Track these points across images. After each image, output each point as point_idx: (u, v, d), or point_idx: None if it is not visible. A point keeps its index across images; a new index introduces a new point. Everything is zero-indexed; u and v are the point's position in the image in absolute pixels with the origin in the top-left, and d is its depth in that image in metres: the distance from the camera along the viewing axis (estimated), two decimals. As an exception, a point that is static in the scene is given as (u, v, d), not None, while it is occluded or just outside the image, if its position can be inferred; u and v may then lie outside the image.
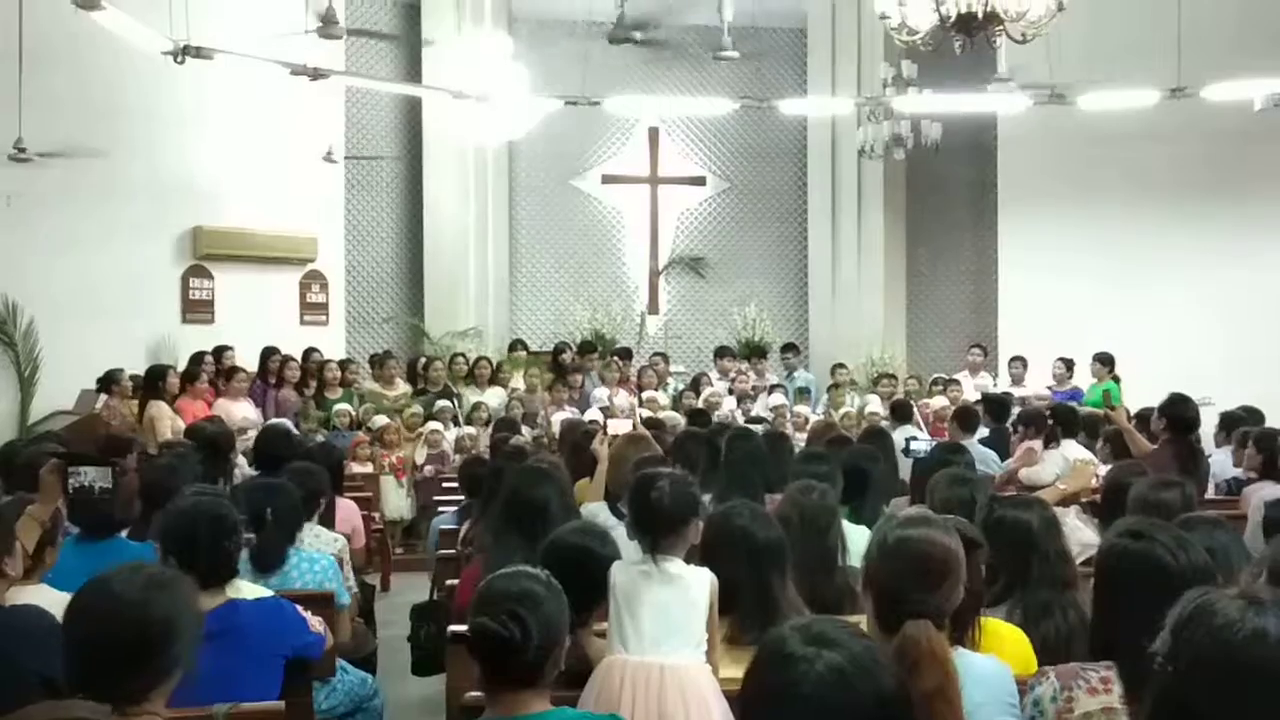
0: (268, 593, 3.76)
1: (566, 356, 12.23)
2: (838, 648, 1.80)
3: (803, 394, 11.82)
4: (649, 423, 7.78)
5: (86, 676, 2.25)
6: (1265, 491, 5.77)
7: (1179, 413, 6.38)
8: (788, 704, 1.77)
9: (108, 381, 9.66)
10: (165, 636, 2.30)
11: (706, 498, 4.26)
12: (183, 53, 9.92)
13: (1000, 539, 3.31)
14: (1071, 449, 7.44)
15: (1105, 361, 11.17)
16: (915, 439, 7.47)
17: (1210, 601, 1.77)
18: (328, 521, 5.60)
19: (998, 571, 3.31)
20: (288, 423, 9.23)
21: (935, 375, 12.04)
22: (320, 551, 4.79)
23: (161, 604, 2.32)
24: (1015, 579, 3.29)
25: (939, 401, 10.86)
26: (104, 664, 2.26)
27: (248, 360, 10.88)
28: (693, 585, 3.22)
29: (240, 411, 9.66)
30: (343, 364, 11.32)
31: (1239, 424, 7.59)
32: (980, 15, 7.43)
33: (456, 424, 10.67)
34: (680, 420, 9.38)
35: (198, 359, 10.15)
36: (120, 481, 4.16)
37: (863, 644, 1.86)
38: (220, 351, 10.57)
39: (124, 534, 4.41)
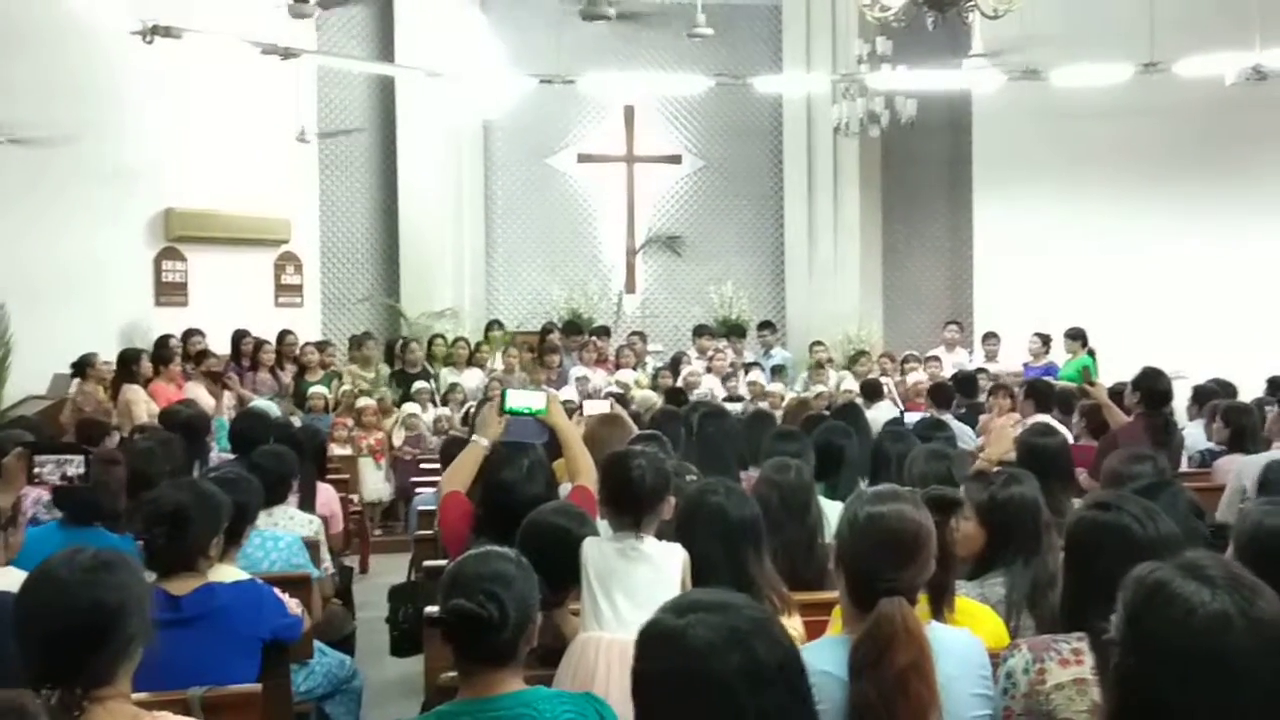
0: (245, 576, 3.75)
1: (555, 336, 12.24)
2: (715, 611, 1.80)
3: (779, 372, 11.86)
4: (615, 399, 7.79)
5: (46, 666, 2.24)
6: (1237, 463, 5.84)
7: (1151, 386, 6.43)
8: (681, 675, 1.76)
9: (82, 365, 9.57)
10: (118, 616, 2.30)
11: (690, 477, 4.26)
12: (151, 32, 9.84)
13: (1009, 517, 3.36)
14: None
15: (1077, 336, 11.25)
16: (905, 413, 7.54)
17: (1162, 583, 1.76)
18: (308, 503, 5.60)
19: (999, 546, 3.35)
20: (274, 405, 9.19)
21: (907, 353, 12.09)
22: (290, 533, 4.78)
23: (109, 584, 2.32)
24: (1023, 553, 3.31)
25: (915, 376, 10.93)
26: (62, 652, 2.26)
27: (223, 343, 10.81)
28: (666, 562, 3.23)
29: (205, 397, 9.57)
30: (320, 346, 11.27)
31: (1211, 397, 7.67)
32: (951, -9, 7.44)
33: (434, 405, 10.66)
34: (655, 399, 9.39)
35: (164, 342, 10.07)
36: (109, 470, 4.14)
37: (741, 602, 1.85)
38: (189, 335, 10.49)
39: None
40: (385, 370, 11.27)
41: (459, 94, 13.20)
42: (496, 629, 2.36)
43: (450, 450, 6.55)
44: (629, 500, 3.34)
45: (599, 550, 3.26)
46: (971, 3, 7.86)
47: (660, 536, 3.36)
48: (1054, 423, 6.95)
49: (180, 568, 3.40)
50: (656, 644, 1.82)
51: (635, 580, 3.19)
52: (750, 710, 1.73)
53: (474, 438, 4.17)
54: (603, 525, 3.46)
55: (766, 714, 1.74)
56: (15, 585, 3.08)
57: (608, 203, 14.84)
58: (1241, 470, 5.61)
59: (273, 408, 8.82)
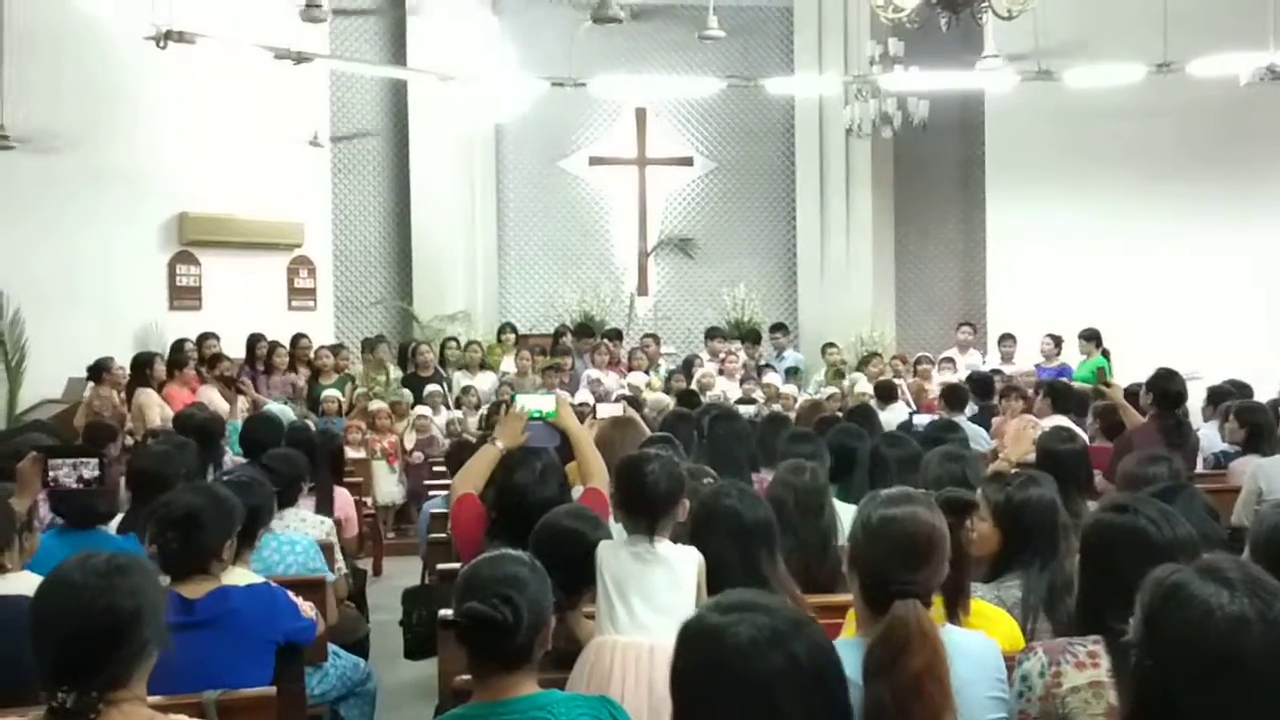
0: (259, 579, 3.75)
1: (568, 339, 12.24)
2: (758, 611, 1.79)
3: (791, 374, 11.83)
4: (628, 402, 7.79)
5: (62, 669, 2.25)
6: (1252, 464, 5.80)
7: (1164, 387, 6.41)
8: (721, 673, 1.75)
9: (98, 369, 9.61)
10: (133, 619, 2.30)
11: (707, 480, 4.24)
12: (165, 37, 9.87)
13: (1026, 519, 3.34)
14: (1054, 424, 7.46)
15: (1091, 337, 11.20)
16: (916, 413, 7.53)
17: (1180, 585, 1.75)
18: (326, 507, 5.62)
19: (1016, 548, 3.33)
20: (288, 409, 9.21)
21: (919, 354, 12.05)
22: (305, 535, 4.79)
23: (124, 588, 2.32)
24: (1040, 556, 3.29)
25: (945, 376, 10.89)
26: (78, 655, 2.26)
27: (237, 346, 10.84)
28: (680, 565, 3.23)
29: (220, 401, 9.60)
30: (334, 349, 11.29)
31: (1226, 398, 7.62)
32: (965, -9, 7.43)
33: (447, 408, 10.67)
34: (667, 401, 9.38)
35: (180, 346, 10.11)
36: (105, 472, 4.14)
37: (782, 602, 1.86)
38: (203, 339, 10.52)
39: (113, 525, 4.38)
40: (397, 373, 11.27)
41: (471, 97, 13.22)
42: (510, 632, 2.35)
43: (458, 454, 6.55)
44: (642, 504, 3.33)
45: (615, 554, 3.26)
46: (985, 3, 7.84)
47: (674, 539, 3.35)
48: (1071, 425, 6.93)
49: (195, 571, 3.40)
50: (698, 641, 1.81)
51: (651, 583, 3.18)
52: (788, 712, 1.72)
53: (492, 439, 4.15)
54: (618, 528, 3.45)
55: (804, 716, 1.73)
56: (30, 589, 3.10)
57: (619, 205, 14.84)
58: (1257, 472, 5.57)
59: (287, 411, 8.84)
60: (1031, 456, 4.99)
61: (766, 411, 8.91)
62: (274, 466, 5.01)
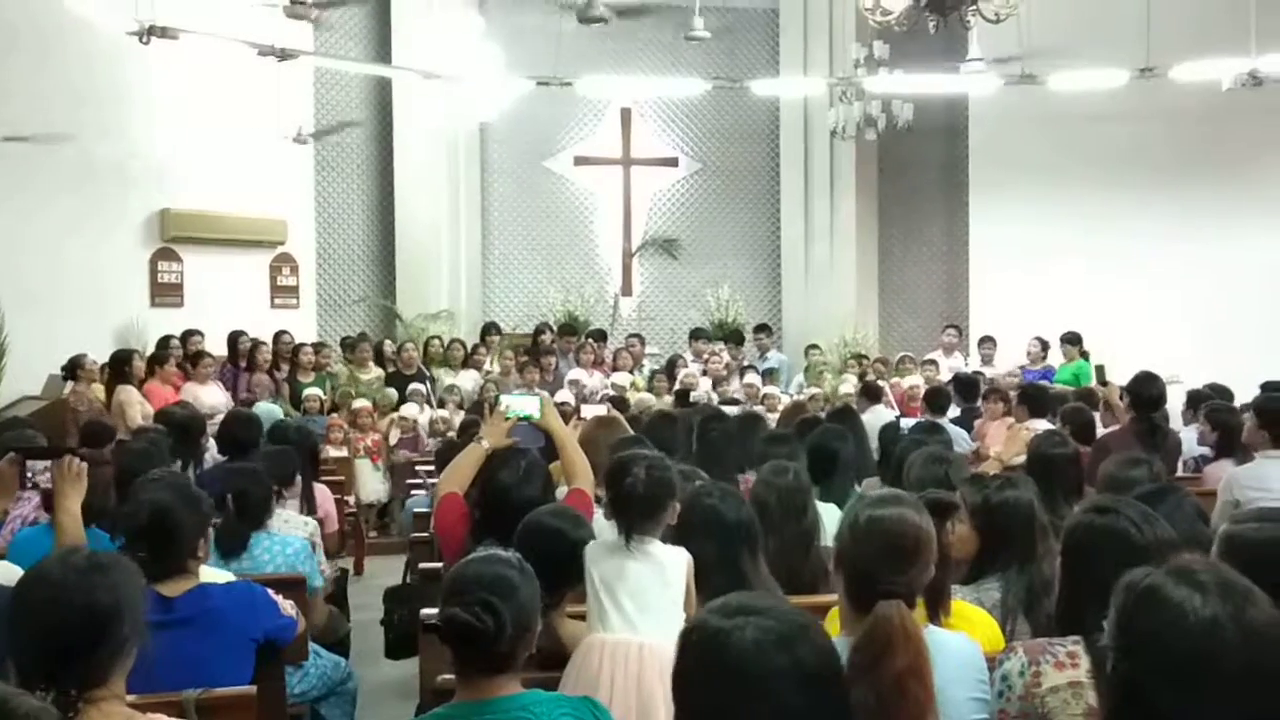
0: (233, 577, 3.73)
1: (546, 338, 12.22)
2: (761, 614, 1.80)
3: (770, 375, 11.84)
4: (612, 403, 7.81)
5: (42, 666, 2.24)
6: (1226, 473, 5.76)
7: (1141, 390, 6.43)
8: (726, 676, 1.76)
9: (73, 367, 9.56)
10: (112, 617, 2.30)
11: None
12: (148, 33, 9.82)
13: (1004, 521, 3.34)
14: (1040, 427, 7.47)
15: (1073, 341, 11.26)
16: (900, 417, 7.56)
17: (1154, 588, 1.76)
18: (308, 505, 5.60)
19: (994, 550, 3.34)
20: (276, 408, 9.18)
21: (901, 354, 12.08)
22: (292, 535, 4.78)
23: (104, 585, 2.32)
24: (1017, 558, 3.30)
25: (910, 380, 10.93)
26: (56, 653, 2.25)
27: (219, 343, 10.79)
28: (669, 565, 3.23)
29: (208, 396, 9.59)
30: (316, 347, 11.25)
31: (1206, 402, 7.64)
32: (955, -5, 7.46)
33: (430, 406, 10.66)
34: (652, 401, 9.39)
35: (164, 343, 10.07)
36: (96, 472, 4.11)
37: (785, 606, 1.86)
38: (187, 335, 10.48)
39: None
40: (378, 371, 11.24)
41: (456, 96, 13.19)
42: (493, 639, 2.35)
43: (448, 455, 6.53)
44: (624, 506, 3.34)
45: (604, 553, 3.26)
46: (973, 6, 7.88)
47: (662, 539, 3.35)
48: (1051, 427, 6.94)
49: (173, 570, 3.38)
50: (702, 644, 1.81)
51: (640, 583, 3.19)
52: (792, 712, 1.73)
53: (478, 437, 4.14)
54: (608, 526, 3.45)
55: (808, 716, 1.74)
56: (4, 578, 3.08)
57: (604, 205, 14.84)
58: (1231, 484, 5.49)
59: (275, 410, 8.82)
60: (1023, 458, 4.99)
61: (743, 412, 8.92)
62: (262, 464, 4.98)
